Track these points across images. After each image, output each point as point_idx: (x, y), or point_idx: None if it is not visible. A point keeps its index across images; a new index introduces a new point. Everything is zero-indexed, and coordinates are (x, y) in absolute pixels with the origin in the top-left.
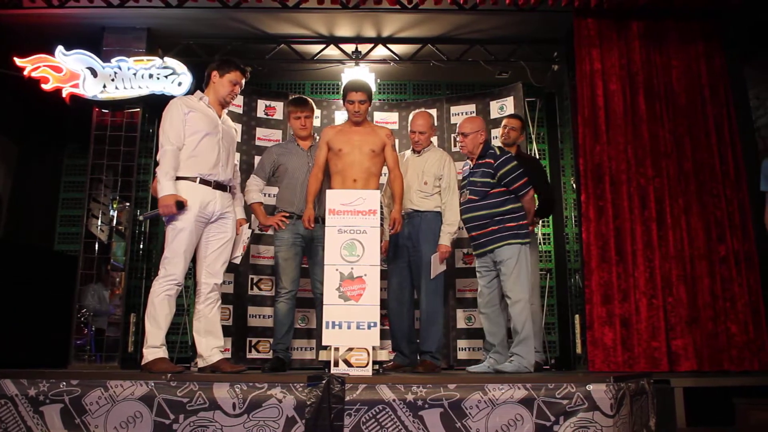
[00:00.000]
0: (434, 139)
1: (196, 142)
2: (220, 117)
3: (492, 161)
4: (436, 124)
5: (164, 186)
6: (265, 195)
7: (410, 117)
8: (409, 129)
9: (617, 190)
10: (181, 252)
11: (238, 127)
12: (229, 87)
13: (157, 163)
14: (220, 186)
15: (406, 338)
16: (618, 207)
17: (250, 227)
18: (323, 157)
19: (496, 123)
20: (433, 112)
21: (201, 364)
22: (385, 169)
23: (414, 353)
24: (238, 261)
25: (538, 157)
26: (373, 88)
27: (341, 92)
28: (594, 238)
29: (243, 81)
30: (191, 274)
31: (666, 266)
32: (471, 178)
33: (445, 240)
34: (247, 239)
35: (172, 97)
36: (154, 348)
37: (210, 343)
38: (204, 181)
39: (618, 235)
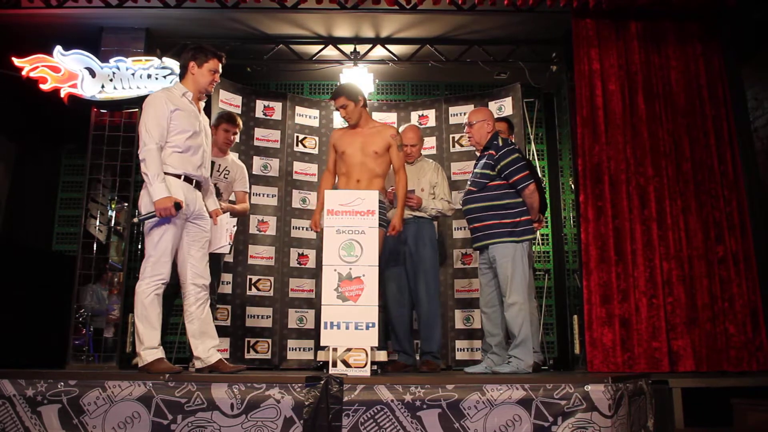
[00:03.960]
0: (433, 140)
1: (183, 141)
2: (200, 112)
3: (494, 152)
4: (434, 124)
5: (158, 188)
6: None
7: (400, 130)
8: None
9: (616, 190)
10: (168, 251)
11: None
12: (209, 76)
13: (138, 159)
14: (198, 185)
15: (408, 339)
16: (617, 207)
17: (233, 216)
18: (332, 160)
19: None
20: (432, 112)
21: (199, 365)
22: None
23: (414, 353)
24: (226, 250)
25: (536, 158)
26: (372, 89)
27: None
28: (593, 238)
29: (220, 68)
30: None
31: (666, 266)
32: (474, 169)
33: (424, 201)
34: (233, 228)
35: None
36: (152, 349)
37: (206, 344)
38: (188, 179)
39: (617, 235)
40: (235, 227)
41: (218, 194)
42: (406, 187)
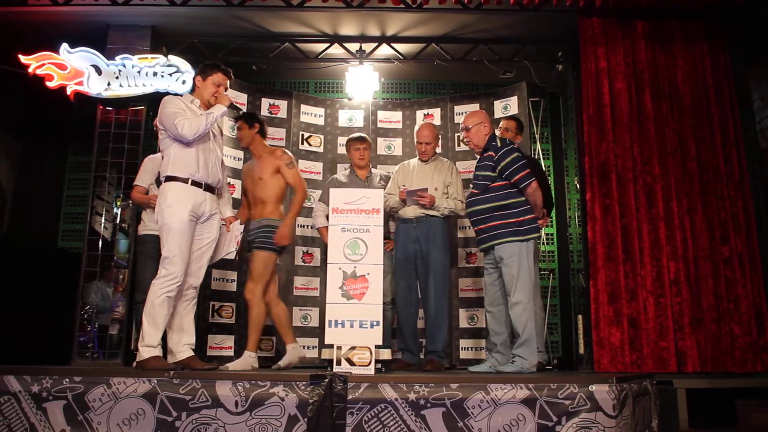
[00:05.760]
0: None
1: (192, 144)
2: None
3: (493, 153)
4: (440, 123)
5: (216, 110)
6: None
7: (416, 128)
8: (415, 140)
9: (624, 188)
10: (179, 251)
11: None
12: (212, 89)
13: (159, 145)
14: (209, 188)
15: (413, 337)
16: (625, 205)
17: (241, 223)
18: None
19: (499, 123)
20: (437, 111)
21: (170, 359)
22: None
23: (419, 352)
24: (232, 256)
25: (541, 157)
26: (377, 87)
27: None
28: (600, 236)
29: (227, 82)
30: None
31: (673, 266)
32: (475, 172)
33: (437, 200)
34: (240, 234)
35: (177, 95)
36: (151, 347)
37: (181, 340)
38: (195, 183)
39: (625, 234)
40: (242, 233)
41: None
42: (300, 202)
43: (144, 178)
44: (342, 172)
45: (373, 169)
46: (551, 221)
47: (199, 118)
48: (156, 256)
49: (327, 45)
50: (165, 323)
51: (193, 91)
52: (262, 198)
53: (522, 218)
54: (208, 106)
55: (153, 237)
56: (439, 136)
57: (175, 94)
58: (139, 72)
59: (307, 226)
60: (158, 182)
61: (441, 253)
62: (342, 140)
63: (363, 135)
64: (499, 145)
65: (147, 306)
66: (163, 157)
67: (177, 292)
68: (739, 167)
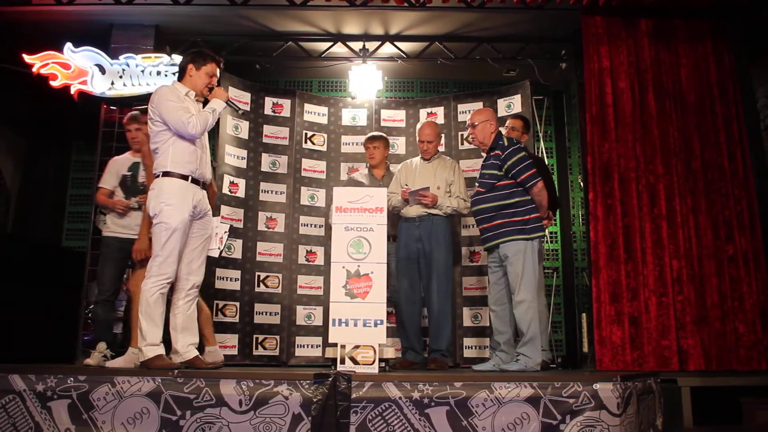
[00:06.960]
0: (441, 137)
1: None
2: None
3: (500, 152)
4: (443, 122)
5: (216, 105)
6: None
7: (418, 127)
8: (417, 139)
9: (626, 187)
10: (176, 252)
11: (246, 124)
12: (206, 79)
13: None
14: (205, 185)
15: (417, 336)
16: (627, 205)
17: (222, 221)
18: None
19: (503, 121)
20: (441, 110)
21: (176, 360)
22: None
23: (423, 350)
24: (215, 254)
25: (545, 155)
26: (381, 86)
27: None
28: (602, 236)
29: (218, 72)
30: None
31: (676, 264)
32: (481, 171)
33: (439, 199)
34: (225, 234)
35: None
36: (154, 346)
37: (186, 340)
38: (194, 180)
39: (627, 234)
40: (227, 233)
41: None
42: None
43: (109, 180)
44: (361, 172)
45: (391, 168)
46: (555, 220)
47: (204, 114)
48: (116, 259)
49: (330, 44)
50: (162, 319)
51: (182, 77)
52: None
53: (527, 217)
54: (202, 96)
55: (115, 240)
56: (442, 135)
57: None
58: (142, 71)
59: (310, 224)
60: (124, 182)
61: (444, 251)
62: (345, 139)
63: (375, 134)
64: (506, 144)
65: (142, 305)
66: (156, 151)
67: (180, 292)
68: (743, 165)
